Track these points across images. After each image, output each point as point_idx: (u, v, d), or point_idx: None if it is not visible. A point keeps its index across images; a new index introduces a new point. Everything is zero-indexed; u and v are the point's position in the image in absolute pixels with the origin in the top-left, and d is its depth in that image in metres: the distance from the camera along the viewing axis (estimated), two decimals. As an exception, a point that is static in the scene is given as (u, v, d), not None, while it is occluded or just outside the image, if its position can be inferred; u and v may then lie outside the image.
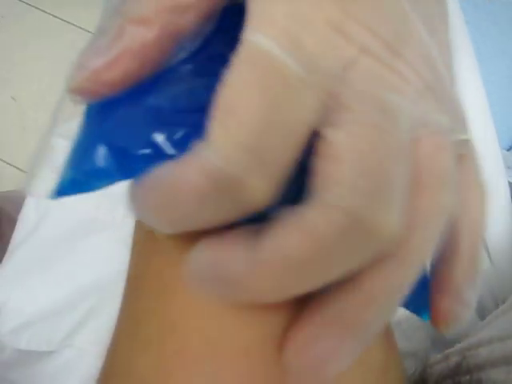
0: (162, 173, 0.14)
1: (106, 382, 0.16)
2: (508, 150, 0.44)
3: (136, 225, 0.18)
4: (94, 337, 0.34)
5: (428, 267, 0.17)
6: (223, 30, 0.16)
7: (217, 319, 0.15)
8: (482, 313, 0.37)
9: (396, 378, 0.17)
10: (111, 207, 0.37)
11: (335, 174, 0.13)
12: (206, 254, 0.14)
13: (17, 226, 0.41)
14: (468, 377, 0.21)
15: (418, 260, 0.14)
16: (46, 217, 0.39)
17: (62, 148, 0.41)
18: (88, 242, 0.38)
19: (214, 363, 0.15)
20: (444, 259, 0.17)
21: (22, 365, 0.36)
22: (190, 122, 0.15)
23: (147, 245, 0.17)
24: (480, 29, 0.41)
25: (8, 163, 1.14)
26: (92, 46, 0.15)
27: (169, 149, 0.15)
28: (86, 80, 0.15)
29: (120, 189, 0.19)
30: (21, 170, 1.14)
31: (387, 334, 0.18)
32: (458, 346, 0.26)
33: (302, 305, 0.15)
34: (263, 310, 0.15)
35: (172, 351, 0.15)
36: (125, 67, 0.15)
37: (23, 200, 0.42)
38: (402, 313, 0.19)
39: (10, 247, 0.40)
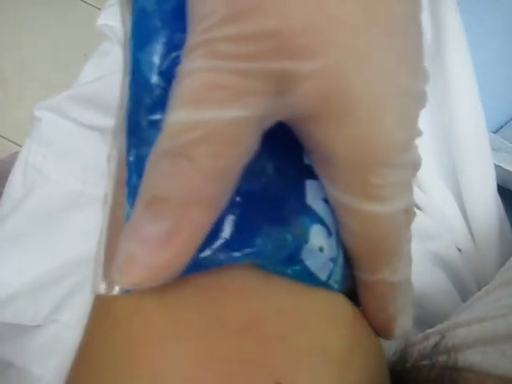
0: None
1: None
2: (495, 133, 0.44)
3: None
4: (81, 312, 0.34)
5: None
6: None
7: None
8: (464, 295, 0.37)
9: (363, 366, 0.17)
10: (98, 182, 0.37)
11: None
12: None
13: (2, 200, 0.40)
14: (445, 357, 0.22)
15: None
16: (32, 190, 0.39)
17: (48, 120, 0.40)
18: (75, 216, 0.38)
19: None
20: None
21: (8, 338, 0.36)
22: None
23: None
24: (471, 10, 0.40)
25: (-10, 130, 1.12)
26: (139, 239, 0.14)
27: None
28: (146, 276, 0.14)
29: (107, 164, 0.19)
30: (4, 138, 1.12)
31: (353, 322, 0.18)
32: (438, 327, 0.26)
33: None
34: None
35: None
36: (190, 250, 0.14)
37: (6, 169, 0.42)
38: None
39: (-4, 220, 0.40)
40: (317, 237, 0.17)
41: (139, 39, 0.17)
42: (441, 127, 0.39)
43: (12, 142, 1.10)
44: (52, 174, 0.38)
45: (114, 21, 0.41)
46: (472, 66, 0.37)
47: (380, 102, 0.14)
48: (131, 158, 0.17)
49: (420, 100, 0.16)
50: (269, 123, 0.15)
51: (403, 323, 0.19)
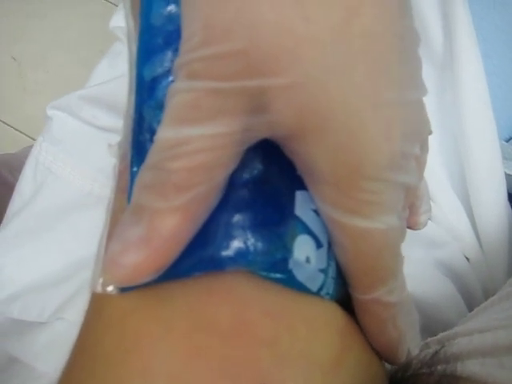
0: None
1: None
2: (507, 141, 0.43)
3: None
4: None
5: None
6: None
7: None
8: (471, 304, 0.37)
9: (352, 374, 0.17)
10: (106, 182, 0.37)
11: None
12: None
13: (13, 197, 0.41)
14: (444, 366, 0.22)
15: None
16: (42, 188, 0.39)
17: (59, 119, 0.41)
18: (83, 215, 0.38)
19: None
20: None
21: (15, 334, 0.37)
22: None
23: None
24: (487, 18, 0.40)
25: (7, 124, 1.14)
26: (122, 240, 0.15)
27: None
28: (125, 276, 0.15)
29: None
30: (20, 132, 1.14)
31: (344, 330, 0.18)
32: (440, 335, 0.26)
33: None
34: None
35: None
36: (166, 255, 0.15)
37: (20, 163, 0.42)
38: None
39: (7, 216, 0.41)
40: (302, 247, 0.17)
41: (143, 55, 0.17)
42: (451, 135, 0.39)
43: (28, 136, 1.12)
44: (61, 174, 0.38)
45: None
46: (484, 76, 0.37)
47: (357, 115, 0.15)
48: (134, 169, 0.17)
49: (412, 112, 0.16)
50: (249, 141, 0.16)
51: (411, 348, 0.19)
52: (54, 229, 0.38)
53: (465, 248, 0.38)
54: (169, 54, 0.17)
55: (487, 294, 0.38)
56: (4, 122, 1.12)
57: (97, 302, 0.18)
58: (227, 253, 0.16)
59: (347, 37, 0.14)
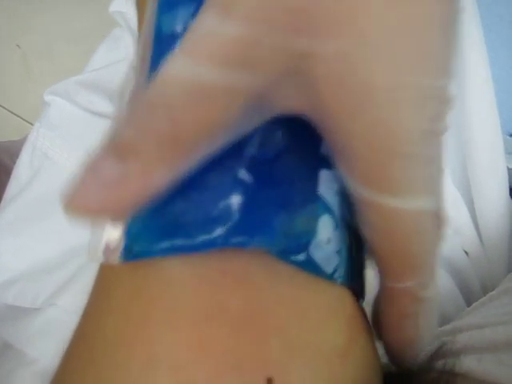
0: None
1: None
2: (511, 136, 0.43)
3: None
4: (78, 298, 0.35)
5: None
6: None
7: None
8: (470, 298, 0.37)
9: (358, 362, 0.17)
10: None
11: None
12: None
13: (10, 182, 0.41)
14: (442, 362, 0.21)
15: None
16: (38, 173, 0.39)
17: (56, 105, 0.40)
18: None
19: None
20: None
21: (9, 320, 0.37)
22: None
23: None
24: (492, 10, 0.40)
25: (11, 112, 1.14)
26: (98, 171, 0.14)
27: None
28: (89, 209, 0.14)
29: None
30: (23, 119, 1.14)
31: (352, 316, 0.18)
32: (438, 331, 0.26)
33: None
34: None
35: None
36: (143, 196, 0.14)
37: (20, 149, 0.42)
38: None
39: (4, 201, 0.40)
40: (325, 228, 0.17)
41: (164, 7, 0.16)
42: (454, 129, 0.38)
43: (32, 124, 1.12)
44: (58, 159, 0.38)
45: (125, 8, 0.41)
46: (488, 68, 0.37)
47: (399, 91, 0.14)
48: None
49: (443, 94, 0.15)
50: (274, 108, 0.15)
51: (422, 349, 0.19)
52: (51, 214, 0.38)
53: (464, 242, 0.38)
54: (191, 9, 0.16)
55: (486, 289, 0.38)
56: (8, 110, 1.13)
57: (101, 284, 0.17)
58: (247, 231, 0.16)
59: (404, 17, 0.13)
